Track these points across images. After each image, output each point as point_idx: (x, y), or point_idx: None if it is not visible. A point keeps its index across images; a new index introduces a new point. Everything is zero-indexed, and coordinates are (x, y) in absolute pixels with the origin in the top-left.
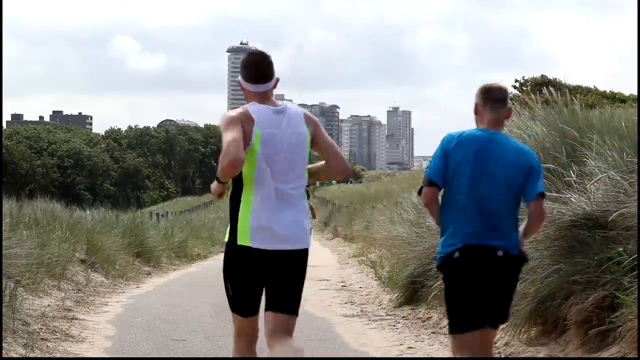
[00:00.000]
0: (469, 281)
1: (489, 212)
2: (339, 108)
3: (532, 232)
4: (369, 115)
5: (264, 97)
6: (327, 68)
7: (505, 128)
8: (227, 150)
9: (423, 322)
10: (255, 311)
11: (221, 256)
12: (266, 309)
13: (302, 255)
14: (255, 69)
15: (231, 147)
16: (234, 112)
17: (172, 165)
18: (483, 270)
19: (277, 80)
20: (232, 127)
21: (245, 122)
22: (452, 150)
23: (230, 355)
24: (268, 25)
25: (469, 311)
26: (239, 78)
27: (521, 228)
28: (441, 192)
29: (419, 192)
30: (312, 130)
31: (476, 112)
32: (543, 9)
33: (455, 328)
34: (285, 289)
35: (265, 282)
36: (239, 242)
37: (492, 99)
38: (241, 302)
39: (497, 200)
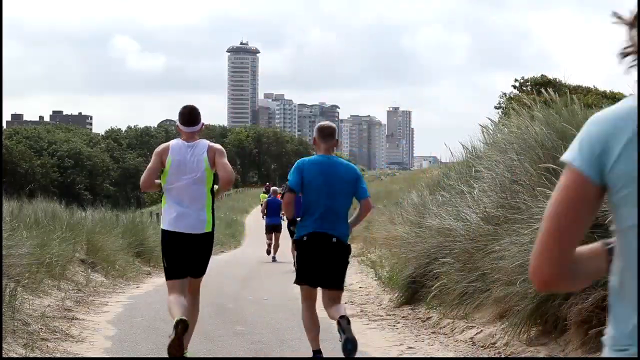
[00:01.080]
0: (312, 256)
1: (330, 211)
2: (339, 108)
3: (360, 220)
4: (369, 115)
5: (191, 135)
6: (327, 68)
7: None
8: (142, 177)
9: (423, 322)
10: (179, 276)
11: (221, 256)
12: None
13: (203, 237)
14: (186, 117)
15: (144, 175)
16: (159, 147)
17: None
18: (322, 250)
19: (203, 124)
20: (152, 159)
21: (163, 153)
22: (305, 169)
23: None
24: (268, 25)
25: (307, 273)
26: (177, 122)
27: (352, 218)
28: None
29: (282, 196)
30: (212, 155)
31: (314, 143)
32: (543, 8)
33: (300, 282)
34: (195, 261)
35: (183, 254)
36: (162, 227)
37: (324, 134)
38: (171, 266)
39: (336, 204)
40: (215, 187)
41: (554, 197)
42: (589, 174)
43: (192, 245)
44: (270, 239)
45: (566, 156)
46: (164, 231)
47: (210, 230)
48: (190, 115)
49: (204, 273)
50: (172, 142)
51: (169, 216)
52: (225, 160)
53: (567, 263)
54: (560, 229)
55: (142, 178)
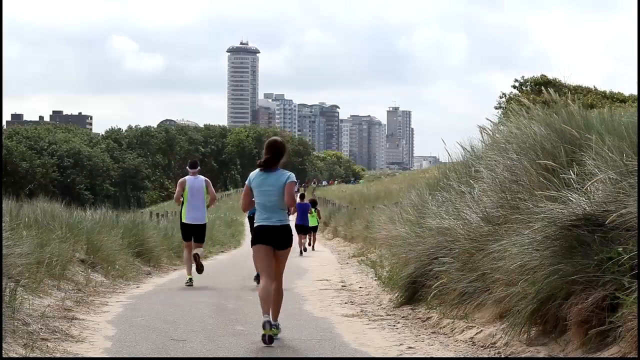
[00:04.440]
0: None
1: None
2: (339, 108)
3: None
4: (369, 115)
5: (194, 173)
6: (327, 68)
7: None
8: (176, 194)
9: (423, 322)
10: (190, 240)
11: (221, 256)
12: (193, 241)
13: (204, 225)
14: (191, 164)
15: (177, 193)
16: (182, 179)
17: (172, 165)
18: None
19: (200, 169)
20: (178, 185)
21: (183, 183)
22: (252, 179)
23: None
24: (268, 25)
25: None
26: (187, 166)
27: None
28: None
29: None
30: (207, 184)
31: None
32: (541, 8)
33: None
34: (197, 235)
35: (192, 233)
36: (182, 220)
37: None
38: (185, 237)
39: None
40: (207, 202)
41: (244, 190)
42: (249, 185)
43: (197, 228)
44: (302, 237)
45: (246, 182)
46: (183, 223)
47: (206, 222)
48: (194, 164)
49: (204, 240)
50: (187, 177)
51: (186, 213)
52: (212, 188)
53: (248, 203)
54: (246, 197)
55: (175, 196)
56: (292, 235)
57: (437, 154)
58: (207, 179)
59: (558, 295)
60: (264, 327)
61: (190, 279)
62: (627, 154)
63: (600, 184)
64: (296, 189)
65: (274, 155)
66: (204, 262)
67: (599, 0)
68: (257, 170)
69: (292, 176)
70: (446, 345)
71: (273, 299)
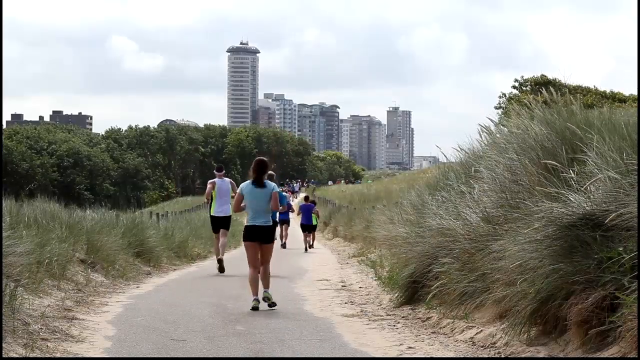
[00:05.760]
0: (249, 232)
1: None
2: (339, 108)
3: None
4: (369, 115)
5: (220, 176)
6: (327, 68)
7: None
8: (206, 191)
9: (423, 322)
10: (218, 231)
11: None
12: (221, 229)
13: (228, 217)
14: (218, 168)
15: (207, 190)
16: (212, 180)
17: (172, 165)
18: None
19: (224, 172)
20: (209, 184)
21: (213, 183)
22: (245, 189)
23: (231, 355)
24: (268, 25)
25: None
26: (214, 170)
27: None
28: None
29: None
30: (231, 185)
31: (250, 173)
32: (543, 7)
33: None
34: (224, 225)
35: (218, 224)
36: (211, 213)
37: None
38: (214, 228)
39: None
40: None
41: (236, 197)
42: (241, 193)
43: (223, 220)
44: (306, 235)
45: (238, 190)
46: (212, 215)
47: (230, 214)
48: (220, 168)
49: (228, 228)
50: (216, 179)
51: (215, 208)
52: (236, 187)
53: (239, 206)
54: (237, 202)
55: (206, 193)
56: (274, 233)
57: (437, 154)
58: (232, 180)
59: (558, 295)
60: (254, 306)
61: (220, 260)
62: (628, 153)
63: (601, 184)
64: (284, 193)
65: (260, 171)
66: (225, 255)
67: (599, 0)
68: (249, 181)
69: (276, 187)
70: (446, 345)
71: (262, 276)
